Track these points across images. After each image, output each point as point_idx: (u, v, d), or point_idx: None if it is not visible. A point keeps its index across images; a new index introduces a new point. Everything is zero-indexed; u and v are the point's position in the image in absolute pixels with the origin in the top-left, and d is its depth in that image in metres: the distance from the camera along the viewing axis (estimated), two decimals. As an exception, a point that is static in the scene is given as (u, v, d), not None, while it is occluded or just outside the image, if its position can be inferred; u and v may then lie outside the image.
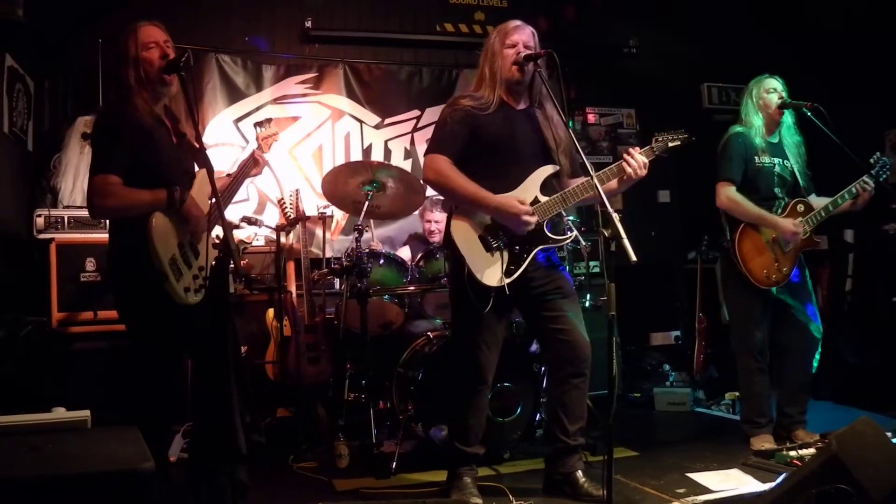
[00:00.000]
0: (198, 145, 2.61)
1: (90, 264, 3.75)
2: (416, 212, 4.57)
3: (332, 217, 4.74)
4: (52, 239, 3.74)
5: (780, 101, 3.63)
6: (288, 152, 5.00)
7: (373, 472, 3.39)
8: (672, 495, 2.95)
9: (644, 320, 5.56)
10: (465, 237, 2.92)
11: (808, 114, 3.55)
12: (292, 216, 4.32)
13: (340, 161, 5.05)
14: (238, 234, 4.54)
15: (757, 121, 3.65)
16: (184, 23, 4.68)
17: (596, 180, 2.69)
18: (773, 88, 3.66)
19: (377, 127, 5.23)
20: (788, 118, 3.70)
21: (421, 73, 5.37)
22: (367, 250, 3.95)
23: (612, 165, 2.93)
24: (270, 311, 4.34)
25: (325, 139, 5.11)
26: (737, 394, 4.25)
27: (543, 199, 2.93)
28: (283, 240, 4.34)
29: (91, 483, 1.62)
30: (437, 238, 4.42)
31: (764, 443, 3.51)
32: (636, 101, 5.94)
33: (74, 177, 4.31)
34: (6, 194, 3.96)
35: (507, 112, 2.98)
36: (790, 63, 5.11)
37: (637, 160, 2.87)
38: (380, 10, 5.36)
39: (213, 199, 2.62)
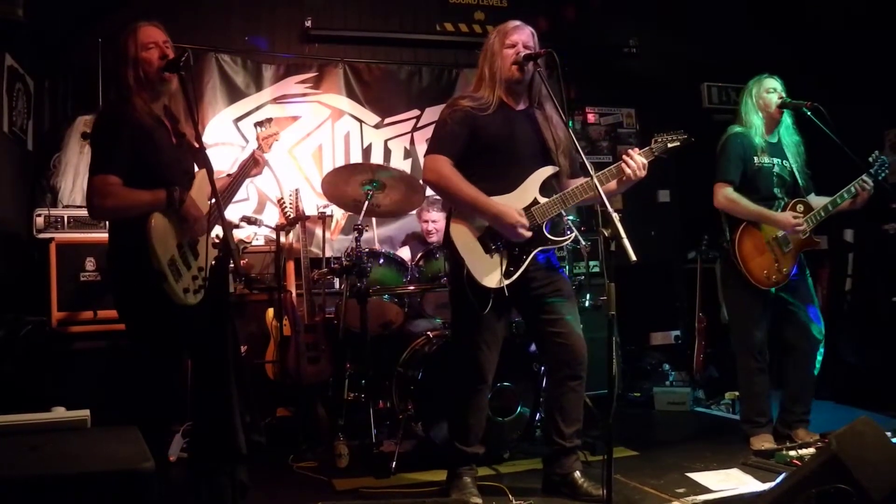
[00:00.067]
0: (197, 145, 2.60)
1: (90, 264, 3.75)
2: (414, 212, 4.58)
3: (331, 217, 4.75)
4: (52, 238, 3.75)
5: (779, 100, 3.63)
6: (288, 152, 5.00)
7: (373, 471, 3.39)
8: (672, 495, 2.95)
9: (644, 320, 5.56)
10: (465, 238, 2.92)
11: (808, 113, 3.55)
12: (292, 216, 4.32)
13: (340, 160, 5.05)
14: (238, 234, 4.54)
15: (756, 121, 3.65)
16: (184, 22, 4.68)
17: (595, 181, 2.69)
18: (772, 88, 3.66)
19: (377, 126, 5.23)
20: (787, 118, 3.70)
21: (421, 72, 5.37)
22: (367, 250, 3.94)
23: (612, 166, 2.93)
24: (270, 311, 4.34)
25: (325, 139, 5.11)
26: (736, 393, 4.25)
27: (543, 199, 2.93)
28: (282, 239, 4.34)
29: (91, 483, 1.62)
30: (434, 238, 4.42)
31: (764, 442, 3.51)
32: (636, 101, 5.94)
33: (74, 176, 4.31)
34: (6, 194, 3.96)
35: (506, 113, 2.98)
36: (790, 63, 5.11)
37: (636, 161, 2.87)
38: (380, 10, 5.36)
39: (213, 200, 2.62)
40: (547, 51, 2.90)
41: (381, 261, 4.10)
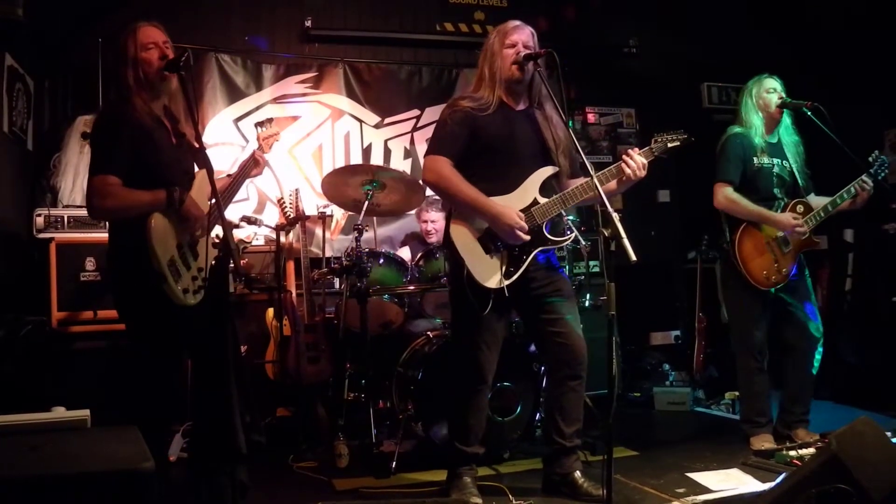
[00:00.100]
0: (197, 145, 2.60)
1: (90, 264, 3.75)
2: (413, 212, 4.57)
3: (331, 216, 4.75)
4: (52, 238, 3.75)
5: (779, 100, 3.63)
6: (288, 152, 5.00)
7: (372, 471, 3.40)
8: (672, 495, 2.95)
9: (644, 320, 5.56)
10: (465, 239, 2.92)
11: (808, 113, 3.55)
12: (292, 216, 4.33)
13: (340, 160, 5.05)
14: (238, 234, 4.54)
15: (756, 121, 3.65)
16: (184, 22, 4.68)
17: (595, 181, 2.69)
18: (772, 88, 3.66)
19: (377, 126, 5.23)
20: (786, 118, 3.70)
21: (421, 72, 5.37)
22: (367, 250, 3.95)
23: (612, 166, 2.93)
24: (270, 311, 4.34)
25: (325, 139, 5.11)
26: (736, 393, 4.25)
27: (543, 200, 2.93)
28: (282, 239, 4.34)
29: (91, 483, 1.62)
30: (434, 238, 4.42)
31: (764, 442, 3.51)
32: (636, 101, 5.94)
33: (74, 176, 4.31)
34: (6, 194, 3.96)
35: (506, 113, 2.98)
36: (790, 63, 5.11)
37: (636, 161, 2.87)
38: (380, 10, 5.36)
39: (213, 200, 2.62)
40: (547, 51, 2.90)
41: (381, 261, 4.10)
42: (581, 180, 2.94)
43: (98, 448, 1.82)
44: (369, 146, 5.20)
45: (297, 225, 4.38)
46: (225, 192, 2.86)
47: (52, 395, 3.20)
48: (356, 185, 3.82)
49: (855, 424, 2.32)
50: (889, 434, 2.41)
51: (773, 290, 3.59)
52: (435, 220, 4.43)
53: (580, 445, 3.09)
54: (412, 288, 3.99)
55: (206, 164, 2.55)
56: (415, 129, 5.30)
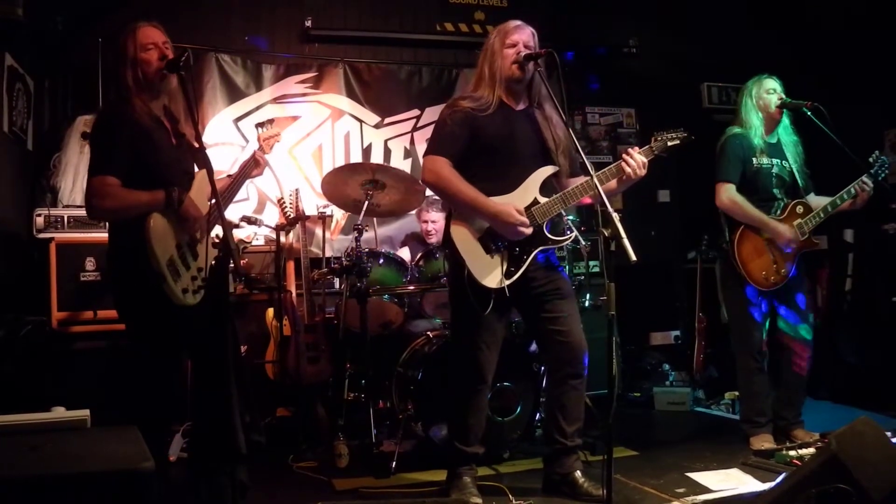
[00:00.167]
0: (197, 145, 2.60)
1: (90, 264, 3.75)
2: (414, 212, 4.57)
3: (331, 216, 4.75)
4: (52, 238, 3.74)
5: (779, 101, 3.63)
6: (288, 152, 5.00)
7: (372, 471, 3.40)
8: (672, 495, 2.95)
9: (644, 320, 5.56)
10: (465, 239, 2.92)
11: (808, 114, 3.54)
12: (292, 216, 4.33)
13: (340, 160, 5.05)
14: (238, 234, 4.54)
15: (755, 121, 3.65)
16: (184, 22, 4.68)
17: (595, 180, 2.69)
18: (772, 89, 3.66)
19: (377, 126, 5.23)
20: (785, 118, 3.70)
21: (421, 72, 5.37)
22: (367, 250, 3.95)
23: (612, 165, 2.93)
24: (270, 311, 4.34)
25: (325, 139, 5.11)
26: (736, 393, 4.25)
27: (543, 199, 2.93)
28: (282, 239, 4.34)
29: (91, 483, 1.61)
30: (434, 239, 4.42)
31: (763, 442, 3.51)
32: (636, 101, 5.94)
33: (74, 176, 4.31)
34: (6, 194, 3.96)
35: (506, 113, 2.98)
36: (790, 63, 5.11)
37: (636, 160, 2.87)
38: (380, 10, 5.35)
39: (213, 200, 2.62)
40: (547, 51, 2.90)
41: (381, 261, 4.10)
42: (581, 179, 2.94)
43: (98, 448, 1.82)
44: (369, 146, 5.20)
45: (297, 225, 4.38)
46: (225, 193, 2.86)
47: (52, 395, 3.20)
48: (356, 185, 3.82)
49: (855, 424, 2.32)
50: (889, 434, 2.41)
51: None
52: (435, 221, 4.43)
53: (581, 445, 3.09)
54: (412, 288, 3.99)
55: (205, 164, 2.55)
56: (415, 129, 5.30)
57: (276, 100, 5.00)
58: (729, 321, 3.84)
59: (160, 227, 2.52)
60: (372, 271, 3.90)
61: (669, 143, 2.98)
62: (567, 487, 2.98)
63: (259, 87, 4.97)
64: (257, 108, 4.94)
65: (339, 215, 4.92)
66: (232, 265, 3.29)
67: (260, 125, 3.16)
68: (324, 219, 4.62)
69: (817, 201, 3.64)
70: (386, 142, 5.24)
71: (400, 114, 5.28)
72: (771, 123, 3.68)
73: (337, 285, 4.70)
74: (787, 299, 3.65)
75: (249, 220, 4.15)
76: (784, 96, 3.65)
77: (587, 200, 3.00)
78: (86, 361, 3.61)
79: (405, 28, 5.40)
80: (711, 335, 5.04)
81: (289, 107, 5.04)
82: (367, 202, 3.76)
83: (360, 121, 5.19)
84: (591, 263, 4.91)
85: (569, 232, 3.07)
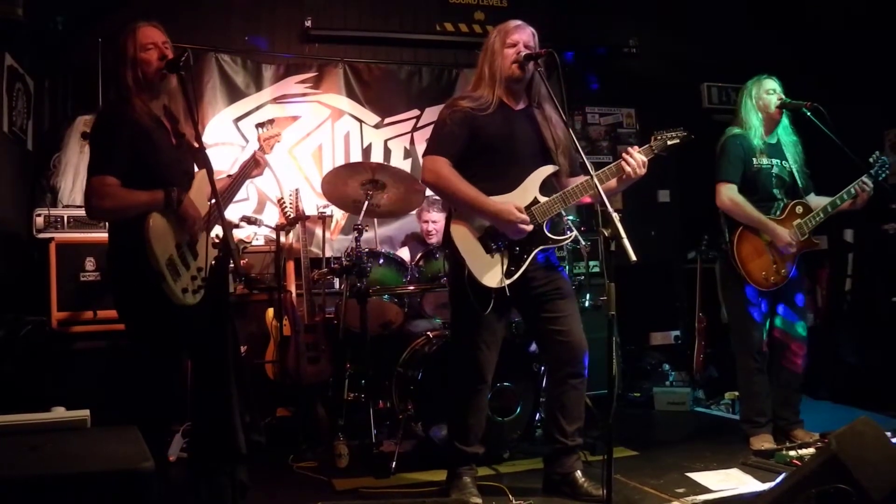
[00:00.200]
0: (197, 145, 2.60)
1: (90, 264, 3.75)
2: (414, 212, 4.57)
3: (331, 216, 4.74)
4: (52, 238, 3.74)
5: (779, 101, 3.63)
6: (288, 152, 5.00)
7: (372, 471, 3.40)
8: (672, 495, 2.95)
9: (644, 320, 5.56)
10: (465, 239, 2.92)
11: (808, 114, 3.54)
12: (292, 216, 4.33)
13: (340, 160, 5.05)
14: (238, 234, 4.54)
15: (755, 121, 3.65)
16: (184, 22, 4.68)
17: (595, 180, 2.69)
18: (772, 89, 3.65)
19: (377, 126, 5.23)
20: (784, 118, 3.70)
21: (421, 72, 5.37)
22: (367, 250, 3.95)
23: (612, 164, 2.93)
24: (270, 311, 4.34)
25: (325, 139, 5.11)
26: (736, 393, 4.25)
27: (543, 199, 2.93)
28: (282, 239, 4.34)
29: (91, 483, 1.61)
30: (434, 239, 4.42)
31: (763, 442, 3.51)
32: (636, 101, 5.94)
33: (74, 176, 4.31)
34: (6, 194, 3.96)
35: (506, 112, 2.98)
36: (790, 63, 5.11)
37: (636, 159, 2.87)
38: (380, 10, 5.35)
39: (213, 200, 2.62)
40: (547, 51, 2.90)
41: (381, 261, 4.10)
42: (581, 179, 2.94)
43: (98, 448, 1.82)
44: (369, 146, 5.20)
45: (297, 225, 4.38)
46: (225, 193, 2.86)
47: (52, 395, 3.20)
48: (356, 185, 3.82)
49: (855, 424, 2.31)
50: (889, 434, 2.41)
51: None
52: (436, 221, 4.42)
53: (581, 444, 3.09)
54: (412, 288, 3.99)
55: (205, 164, 2.55)
56: (415, 129, 5.30)
57: (276, 100, 5.00)
58: (729, 321, 3.84)
59: (160, 226, 2.52)
60: (372, 271, 3.90)
61: (669, 143, 2.98)
62: (567, 487, 2.98)
63: (259, 87, 4.97)
64: (257, 108, 4.94)
65: (338, 215, 4.92)
66: (232, 265, 3.29)
67: (260, 125, 3.16)
68: (324, 219, 4.62)
69: (817, 201, 3.64)
70: (386, 142, 5.24)
71: (400, 114, 5.28)
72: (771, 124, 3.68)
73: (337, 285, 4.70)
74: (787, 298, 3.65)
75: (249, 220, 4.15)
76: (784, 96, 3.65)
77: (587, 200, 3.00)
78: (86, 361, 3.61)
79: (405, 28, 5.40)
80: (711, 335, 5.04)
81: (289, 107, 5.04)
82: (366, 202, 3.76)
83: (360, 121, 5.19)
84: (591, 263, 4.90)
85: (569, 231, 3.07)
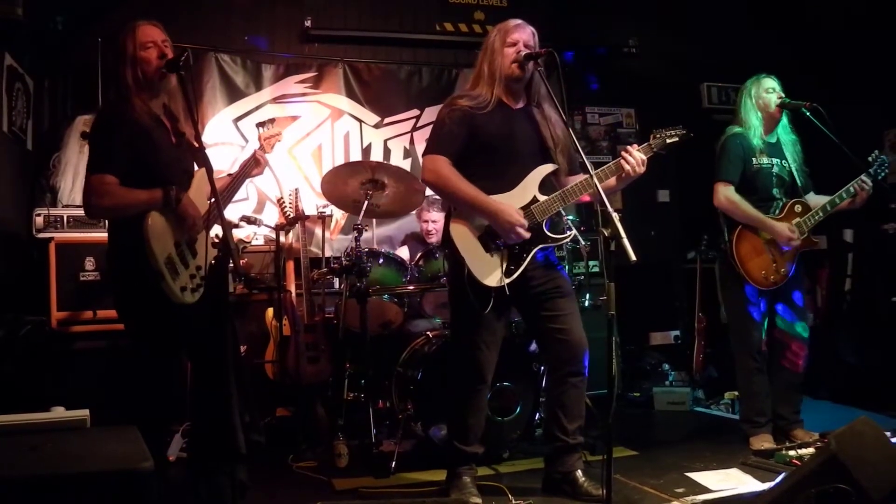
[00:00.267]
0: (197, 145, 2.60)
1: (90, 263, 3.75)
2: (414, 212, 4.57)
3: (331, 216, 4.74)
4: (52, 238, 3.74)
5: (779, 100, 3.63)
6: (287, 151, 5.00)
7: (372, 471, 3.39)
8: (671, 495, 2.95)
9: (644, 320, 5.56)
10: (465, 238, 2.92)
11: (808, 114, 3.54)
12: (292, 215, 4.33)
13: (340, 160, 5.05)
14: (237, 234, 4.54)
15: (755, 121, 3.65)
16: (184, 22, 4.68)
17: (595, 179, 2.69)
18: (771, 88, 3.65)
19: (377, 126, 5.23)
20: (784, 117, 3.70)
21: (420, 72, 5.37)
22: (366, 250, 3.94)
23: (611, 163, 2.92)
24: (270, 311, 4.34)
25: (325, 138, 5.11)
26: (736, 393, 4.25)
27: (542, 198, 2.93)
28: (282, 239, 4.34)
29: (90, 482, 1.62)
30: (434, 238, 4.42)
31: (763, 442, 3.51)
32: (636, 101, 5.94)
33: (74, 176, 4.31)
34: (5, 193, 3.96)
35: (505, 111, 2.98)
36: (790, 63, 5.11)
37: (635, 157, 2.86)
38: (379, 10, 5.36)
39: (213, 199, 2.62)
40: (547, 50, 2.90)
41: (381, 261, 4.10)
42: (580, 178, 2.94)
43: (98, 448, 1.82)
44: (369, 146, 5.20)
45: (297, 225, 4.37)
46: (225, 192, 2.86)
47: (52, 395, 3.20)
48: (355, 185, 3.82)
49: (854, 424, 2.31)
50: (889, 434, 2.42)
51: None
52: (436, 220, 4.42)
53: (582, 443, 3.09)
54: (412, 288, 3.98)
55: (205, 163, 2.55)
56: (414, 128, 5.30)
57: (276, 100, 5.00)
58: (728, 321, 3.84)
59: (159, 225, 2.52)
60: (371, 271, 3.90)
61: (668, 141, 2.98)
62: (568, 486, 2.98)
63: (259, 87, 4.97)
64: (257, 107, 4.94)
65: (338, 215, 4.92)
66: (231, 265, 3.30)
67: (261, 124, 3.16)
68: (323, 218, 4.62)
69: (816, 200, 3.64)
70: (385, 142, 5.24)
71: (399, 114, 5.29)
72: (770, 123, 3.68)
73: (337, 285, 4.70)
74: (786, 297, 3.65)
75: (249, 220, 4.15)
76: (783, 96, 3.65)
77: (587, 198, 3.00)
78: (85, 361, 3.61)
79: (405, 28, 5.40)
80: (711, 335, 5.04)
81: (288, 107, 5.04)
82: (366, 202, 3.76)
83: (360, 121, 5.19)
84: (591, 263, 4.91)
85: (568, 230, 3.07)
